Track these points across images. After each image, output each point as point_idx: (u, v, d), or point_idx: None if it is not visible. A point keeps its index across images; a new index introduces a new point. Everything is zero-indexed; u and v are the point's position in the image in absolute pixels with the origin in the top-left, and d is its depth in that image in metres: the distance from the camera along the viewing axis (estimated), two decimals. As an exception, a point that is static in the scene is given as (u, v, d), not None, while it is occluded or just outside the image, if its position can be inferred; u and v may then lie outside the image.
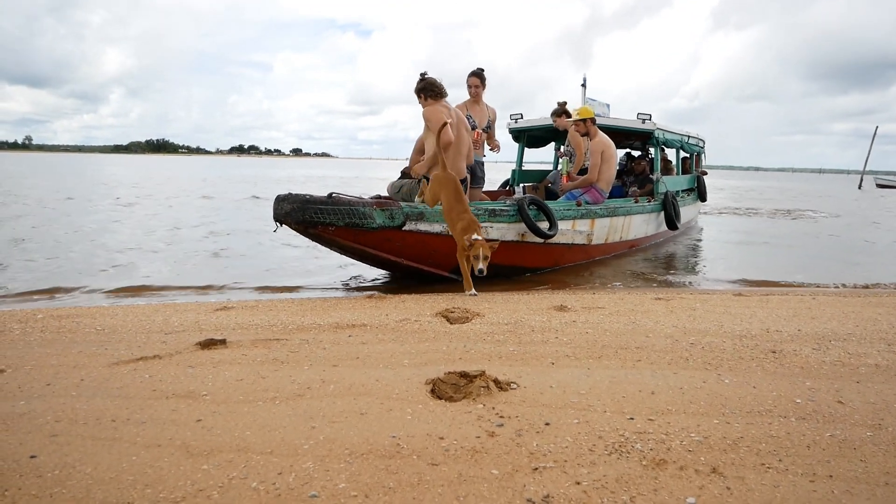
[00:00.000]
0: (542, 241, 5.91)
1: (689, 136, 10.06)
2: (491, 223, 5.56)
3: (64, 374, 2.69)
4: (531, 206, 5.83)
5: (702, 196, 11.34)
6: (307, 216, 4.79)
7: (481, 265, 4.63)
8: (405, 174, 6.03)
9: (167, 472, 1.79)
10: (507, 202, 5.88)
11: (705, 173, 11.76)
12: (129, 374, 2.70)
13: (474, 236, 4.73)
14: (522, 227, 5.76)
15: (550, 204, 6.27)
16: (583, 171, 7.32)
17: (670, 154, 10.55)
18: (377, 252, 5.15)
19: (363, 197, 5.12)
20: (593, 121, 7.06)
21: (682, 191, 10.06)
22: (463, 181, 5.57)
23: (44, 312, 4.10)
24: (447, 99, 5.42)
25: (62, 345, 3.22)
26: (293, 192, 4.93)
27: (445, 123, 5.07)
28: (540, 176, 9.44)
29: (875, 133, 44.13)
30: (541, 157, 11.05)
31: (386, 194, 5.87)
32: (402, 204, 5.09)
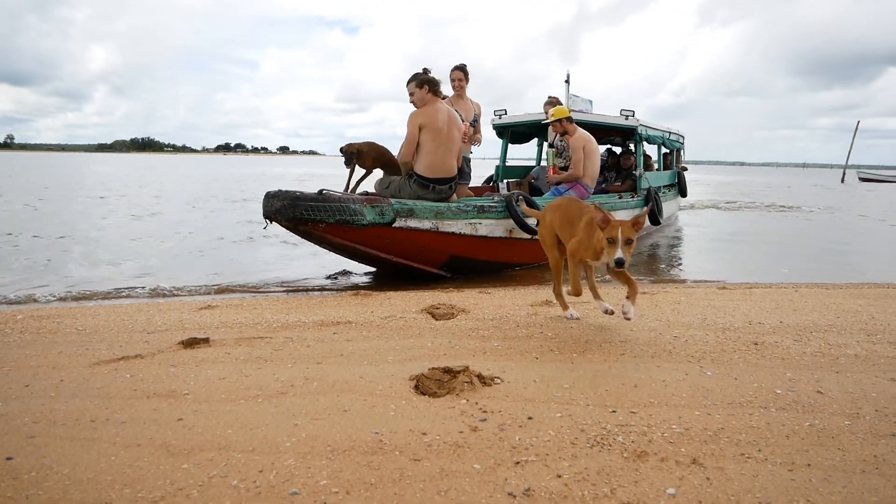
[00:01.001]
0: (529, 237, 5.92)
1: (670, 133, 10.13)
2: (480, 219, 5.56)
3: (43, 375, 2.66)
4: (518, 203, 5.84)
5: (682, 191, 11.44)
6: (297, 213, 4.77)
7: (620, 254, 2.98)
8: (344, 152, 5.81)
9: (146, 471, 1.77)
10: (496, 198, 5.89)
11: (685, 169, 11.86)
12: (109, 374, 2.68)
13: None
14: (510, 223, 5.77)
15: (538, 200, 6.28)
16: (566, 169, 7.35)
17: (652, 150, 10.62)
18: (367, 249, 5.13)
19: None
20: (570, 119, 7.07)
21: (664, 186, 10.12)
22: (453, 178, 5.58)
23: (24, 313, 4.05)
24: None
25: (42, 345, 3.18)
26: (283, 189, 4.90)
27: (419, 128, 5.27)
28: (523, 172, 9.46)
29: (857, 128, 44.61)
30: (524, 154, 11.07)
31: (373, 191, 5.86)
32: (392, 200, 5.08)
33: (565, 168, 7.33)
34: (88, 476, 1.74)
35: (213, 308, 4.23)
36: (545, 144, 9.01)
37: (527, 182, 8.71)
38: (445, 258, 5.59)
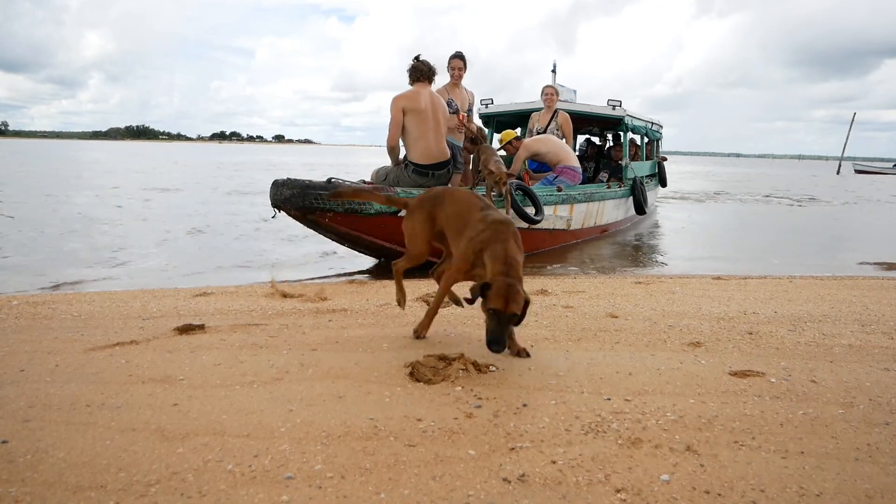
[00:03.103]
0: (527, 226, 5.93)
1: (652, 123, 10.23)
2: None
3: (38, 360, 2.66)
4: (517, 192, 5.85)
5: (662, 182, 11.59)
6: (307, 202, 4.74)
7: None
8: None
9: (141, 455, 1.77)
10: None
11: (665, 159, 12.01)
12: (104, 360, 2.67)
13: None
14: (510, 212, 5.78)
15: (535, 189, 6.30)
16: (541, 169, 7.47)
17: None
18: (372, 238, 5.11)
19: (349, 182, 5.10)
20: (518, 137, 7.43)
21: (646, 176, 10.20)
22: (447, 163, 5.55)
23: (19, 299, 4.04)
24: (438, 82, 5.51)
25: (37, 331, 3.18)
26: (292, 178, 4.88)
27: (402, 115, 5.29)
28: (507, 161, 9.50)
29: (853, 120, 44.71)
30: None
31: (369, 180, 5.85)
32: (398, 190, 5.07)
33: (541, 166, 7.45)
34: (84, 460, 1.74)
35: (209, 295, 4.22)
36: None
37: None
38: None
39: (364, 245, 5.35)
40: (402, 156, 5.57)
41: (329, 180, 4.86)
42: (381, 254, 5.71)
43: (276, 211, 4.94)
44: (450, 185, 5.74)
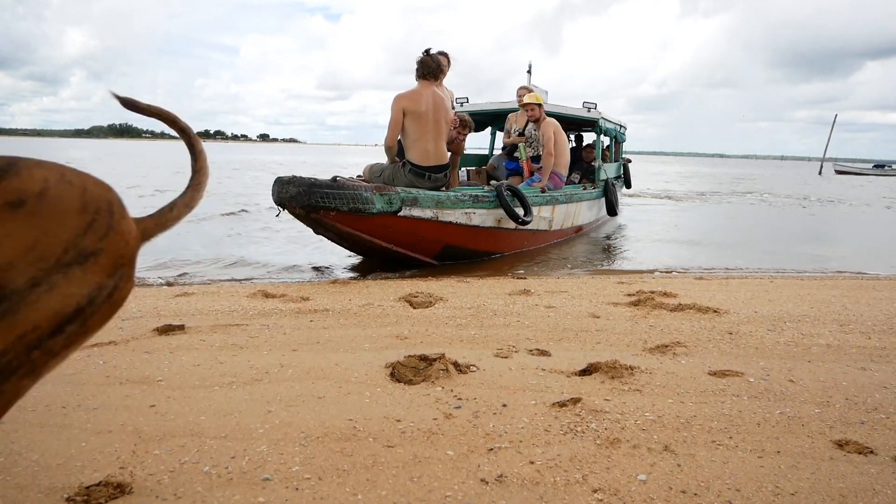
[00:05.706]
0: (513, 227, 5.97)
1: (620, 125, 10.35)
2: (474, 209, 5.58)
3: (14, 361, 2.62)
4: (507, 192, 5.88)
5: (627, 183, 11.78)
6: (313, 200, 4.71)
7: None
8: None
9: (117, 457, 1.75)
10: (486, 188, 5.95)
11: (629, 161, 12.15)
12: (81, 361, 2.64)
13: None
14: (500, 212, 5.80)
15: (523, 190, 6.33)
16: (537, 159, 7.40)
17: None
18: (371, 238, 5.09)
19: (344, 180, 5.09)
20: (540, 106, 7.09)
21: (613, 178, 10.31)
22: (445, 166, 5.52)
23: (-4, 299, 3.99)
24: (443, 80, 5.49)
25: (13, 331, 3.13)
26: (297, 175, 4.86)
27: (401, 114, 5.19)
28: (479, 160, 9.53)
29: (834, 121, 45.24)
30: (477, 143, 11.11)
31: (361, 175, 5.87)
32: (398, 188, 5.06)
33: (536, 157, 7.33)
34: (58, 462, 1.72)
35: (189, 295, 4.19)
36: (499, 134, 9.07)
37: (485, 171, 8.78)
38: (440, 247, 5.61)
39: (364, 245, 5.33)
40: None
41: (334, 178, 4.87)
42: (373, 253, 5.70)
43: (281, 209, 4.92)
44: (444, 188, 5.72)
